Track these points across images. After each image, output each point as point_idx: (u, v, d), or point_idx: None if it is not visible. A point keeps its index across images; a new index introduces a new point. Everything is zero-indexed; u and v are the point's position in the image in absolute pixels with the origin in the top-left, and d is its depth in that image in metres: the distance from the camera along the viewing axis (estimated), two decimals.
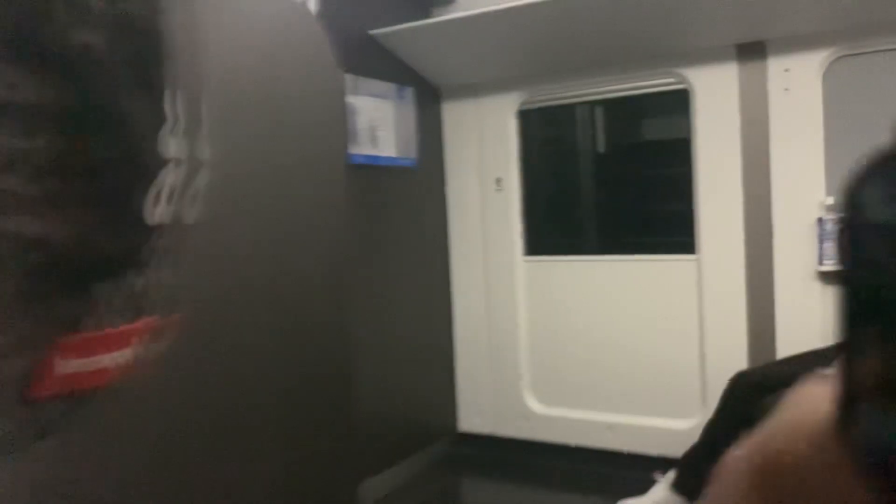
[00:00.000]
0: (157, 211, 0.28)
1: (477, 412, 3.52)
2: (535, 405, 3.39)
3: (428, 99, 3.38)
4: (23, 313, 0.25)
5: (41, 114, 0.23)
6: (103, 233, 0.26)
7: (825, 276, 2.74)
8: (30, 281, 0.25)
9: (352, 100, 2.89)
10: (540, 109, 3.50)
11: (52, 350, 0.27)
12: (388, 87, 3.12)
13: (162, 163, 0.28)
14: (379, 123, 3.05)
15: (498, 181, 3.39)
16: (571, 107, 3.68)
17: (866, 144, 0.30)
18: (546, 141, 3.95)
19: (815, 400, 0.22)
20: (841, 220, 0.23)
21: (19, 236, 0.24)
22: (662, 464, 2.79)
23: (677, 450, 2.66)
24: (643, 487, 2.68)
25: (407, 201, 3.28)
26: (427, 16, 3.19)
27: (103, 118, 0.25)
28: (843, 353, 0.21)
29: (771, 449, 0.23)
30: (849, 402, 0.20)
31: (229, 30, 1.58)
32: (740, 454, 0.25)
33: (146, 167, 0.27)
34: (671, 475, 2.64)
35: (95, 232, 0.26)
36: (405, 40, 3.09)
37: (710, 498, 0.26)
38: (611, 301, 3.21)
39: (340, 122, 2.32)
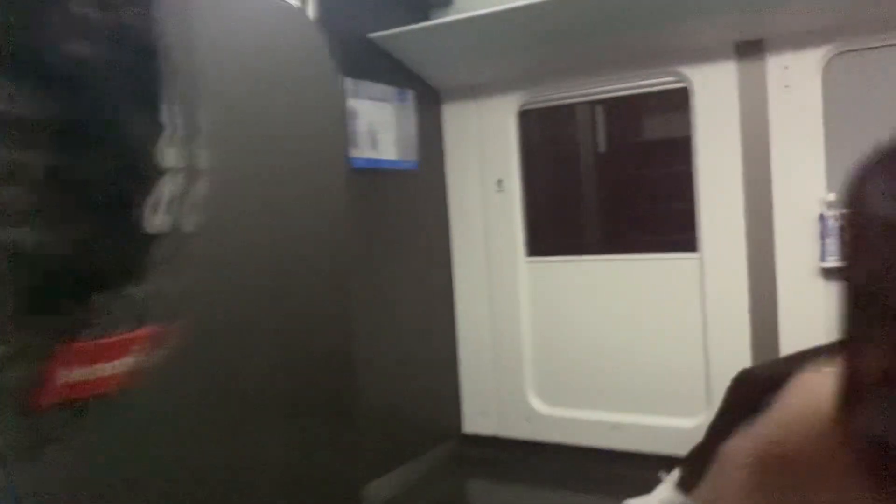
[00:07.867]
0: (155, 220, 0.28)
1: (481, 413, 3.51)
2: (539, 406, 3.38)
3: (428, 101, 3.38)
4: (24, 324, 0.25)
5: (39, 126, 0.24)
6: (102, 243, 0.26)
7: (827, 273, 2.74)
8: (30, 292, 0.25)
9: (352, 103, 2.89)
10: (540, 110, 3.50)
11: (53, 360, 0.27)
12: (387, 90, 3.12)
13: (160, 172, 0.28)
14: (379, 126, 3.06)
15: (499, 182, 3.39)
16: (572, 107, 3.68)
17: (866, 140, 0.30)
18: (547, 141, 3.95)
19: (812, 392, 0.22)
20: (843, 216, 0.23)
21: (19, 248, 0.24)
22: (667, 463, 2.79)
23: (682, 448, 2.64)
24: (648, 486, 2.68)
25: (408, 204, 3.28)
26: (426, 18, 3.19)
27: (101, 129, 0.25)
28: (846, 346, 0.21)
29: (769, 439, 0.23)
30: (851, 394, 0.20)
31: (227, 36, 1.59)
32: (740, 444, 0.25)
33: (144, 177, 0.27)
34: (676, 474, 2.64)
35: (94, 242, 0.26)
36: (404, 43, 3.09)
37: (710, 486, 0.27)
38: (614, 300, 3.21)
39: (341, 126, 2.33)
